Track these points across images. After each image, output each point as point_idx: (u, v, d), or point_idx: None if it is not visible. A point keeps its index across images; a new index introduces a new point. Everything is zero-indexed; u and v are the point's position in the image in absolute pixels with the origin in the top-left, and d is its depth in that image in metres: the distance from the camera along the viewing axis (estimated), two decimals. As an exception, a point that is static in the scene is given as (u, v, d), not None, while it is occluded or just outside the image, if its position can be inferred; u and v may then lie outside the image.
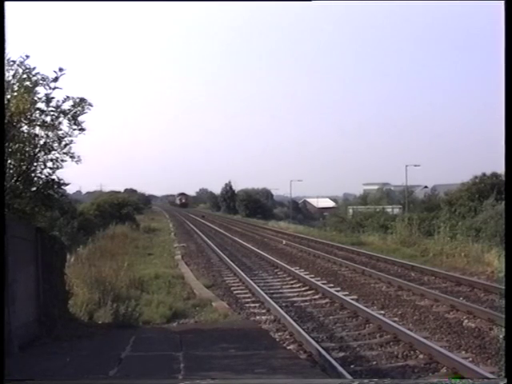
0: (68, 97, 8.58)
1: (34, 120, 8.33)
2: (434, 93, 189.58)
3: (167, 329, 10.00)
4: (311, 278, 15.59)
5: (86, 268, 12.97)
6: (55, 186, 8.90)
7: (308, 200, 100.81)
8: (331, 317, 10.92)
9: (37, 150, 8.43)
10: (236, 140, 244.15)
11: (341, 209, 61.33)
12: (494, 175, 31.83)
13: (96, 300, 10.85)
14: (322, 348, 8.22)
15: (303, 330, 9.44)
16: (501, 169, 24.61)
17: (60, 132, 8.59)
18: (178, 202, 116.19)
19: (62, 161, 8.74)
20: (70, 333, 8.58)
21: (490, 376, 6.70)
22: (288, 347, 8.62)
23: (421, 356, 7.98)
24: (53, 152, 8.61)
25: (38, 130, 8.43)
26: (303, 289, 14.38)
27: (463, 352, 8.25)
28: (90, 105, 8.79)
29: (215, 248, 24.96)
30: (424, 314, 10.83)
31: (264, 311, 11.65)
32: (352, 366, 7.63)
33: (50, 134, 8.51)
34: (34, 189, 8.66)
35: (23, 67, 8.16)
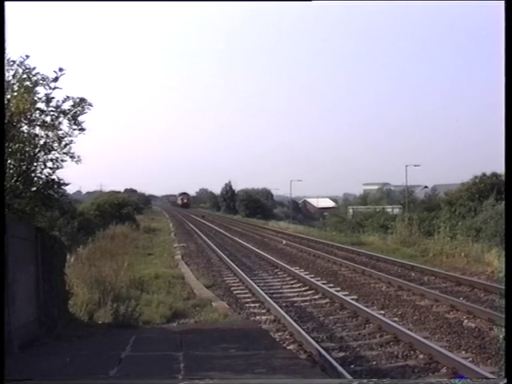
0: (68, 97, 8.58)
1: (33, 120, 8.33)
2: (434, 93, 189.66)
3: (167, 329, 10.01)
4: (311, 277, 15.59)
5: (86, 268, 12.98)
6: (55, 186, 8.90)
7: (308, 200, 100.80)
8: (331, 317, 10.92)
9: (37, 150, 8.43)
10: (236, 140, 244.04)
11: (341, 209, 61.40)
12: (494, 175, 31.83)
13: (96, 300, 10.86)
14: (322, 348, 8.22)
15: (303, 330, 9.43)
16: (501, 169, 24.66)
17: (60, 132, 8.59)
18: (179, 202, 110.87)
19: (62, 161, 8.74)
20: (70, 333, 8.58)
21: (490, 376, 6.69)
22: (288, 347, 8.62)
23: (421, 356, 7.98)
24: (53, 152, 8.61)
25: (38, 130, 8.43)
26: (303, 289, 14.38)
27: (463, 352, 8.25)
28: (90, 105, 8.79)
29: (215, 248, 24.96)
30: (424, 314, 10.83)
31: (264, 311, 11.65)
32: (352, 366, 7.63)
33: (50, 133, 8.51)
34: (34, 189, 8.66)
35: (23, 67, 8.16)
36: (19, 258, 7.53)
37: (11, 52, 7.61)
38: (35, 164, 8.52)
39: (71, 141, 8.73)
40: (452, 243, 20.18)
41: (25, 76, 8.17)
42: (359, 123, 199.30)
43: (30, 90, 8.15)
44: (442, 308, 11.27)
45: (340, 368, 7.21)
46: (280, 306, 11.54)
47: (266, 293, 13.13)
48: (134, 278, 14.34)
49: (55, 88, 8.41)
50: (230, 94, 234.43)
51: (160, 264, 19.26)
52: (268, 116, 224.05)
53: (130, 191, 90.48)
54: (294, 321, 10.12)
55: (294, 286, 15.05)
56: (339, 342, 9.05)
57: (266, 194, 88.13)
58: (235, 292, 14.15)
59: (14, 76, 8.13)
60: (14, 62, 8.08)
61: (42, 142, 8.47)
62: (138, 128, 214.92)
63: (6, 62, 7.58)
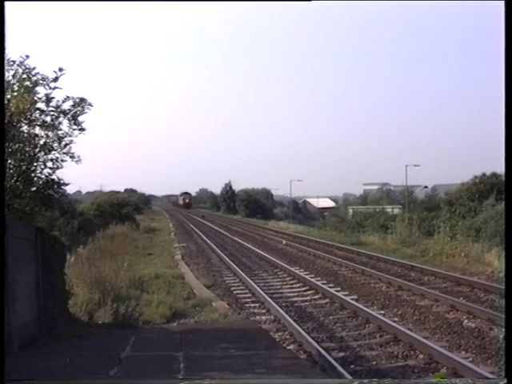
0: (68, 97, 8.58)
1: (33, 120, 8.33)
2: (433, 93, 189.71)
3: (167, 329, 10.00)
4: (311, 277, 15.58)
5: (86, 268, 12.97)
6: (55, 186, 8.90)
7: (308, 200, 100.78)
8: (331, 317, 10.91)
9: (37, 149, 8.43)
10: (236, 140, 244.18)
11: (341, 209, 61.39)
12: (494, 175, 31.79)
13: (96, 300, 10.85)
14: (322, 348, 8.22)
15: (303, 330, 9.44)
16: (501, 169, 24.64)
17: (60, 132, 8.60)
18: (181, 202, 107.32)
19: (62, 161, 8.74)
20: (70, 333, 8.58)
21: (490, 376, 6.70)
22: (288, 347, 8.62)
23: (421, 356, 7.98)
24: (53, 152, 8.61)
25: (37, 130, 8.44)
26: (303, 289, 14.38)
27: (463, 352, 8.25)
28: (90, 105, 8.80)
29: (215, 248, 24.95)
30: (424, 314, 10.83)
31: (264, 311, 11.65)
32: (352, 366, 7.63)
33: (50, 133, 8.51)
34: (34, 189, 8.66)
35: (23, 67, 8.16)
36: (19, 257, 7.53)
37: (11, 52, 7.63)
38: (35, 164, 8.52)
39: (71, 141, 8.74)
40: (452, 243, 20.17)
41: (25, 76, 8.17)
42: (359, 123, 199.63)
43: (30, 90, 8.15)
44: (442, 308, 11.27)
45: (340, 368, 7.21)
46: (280, 306, 11.54)
47: (265, 293, 13.13)
48: (134, 278, 14.33)
49: (55, 88, 8.42)
50: (231, 94, 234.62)
51: (160, 264, 19.25)
52: (268, 116, 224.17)
53: (130, 191, 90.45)
54: (294, 321, 10.12)
55: (293, 286, 15.04)
56: (339, 342, 9.05)
57: (266, 194, 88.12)
58: (235, 292, 14.15)
59: (13, 76, 8.13)
60: (13, 62, 8.09)
61: (42, 142, 8.47)
62: (137, 128, 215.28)
63: (6, 61, 7.58)
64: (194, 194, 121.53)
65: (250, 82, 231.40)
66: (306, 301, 12.77)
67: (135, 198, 71.48)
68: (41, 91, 8.33)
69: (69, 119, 8.61)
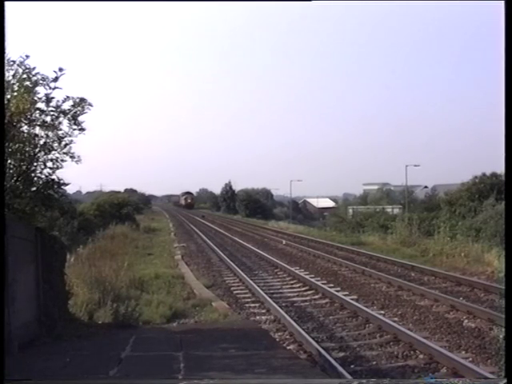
0: (68, 97, 8.57)
1: (34, 120, 8.33)
2: (434, 93, 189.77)
3: (167, 329, 10.00)
4: (311, 277, 15.58)
5: (86, 268, 12.96)
6: (55, 186, 8.89)
7: (308, 200, 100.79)
8: (331, 317, 10.91)
9: (37, 149, 8.43)
10: (236, 140, 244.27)
11: (341, 209, 61.36)
12: (494, 175, 31.83)
13: (96, 300, 10.85)
14: (322, 348, 8.22)
15: (303, 330, 9.43)
16: (501, 169, 24.66)
17: (60, 132, 8.59)
18: (182, 202, 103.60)
19: (62, 161, 8.73)
20: (70, 333, 8.58)
21: (490, 376, 6.70)
22: (288, 347, 8.61)
23: (421, 356, 7.98)
24: (53, 152, 8.60)
25: (38, 130, 8.43)
26: (303, 289, 14.38)
27: (463, 352, 8.25)
28: (90, 105, 8.79)
29: (215, 248, 24.95)
30: (424, 314, 10.83)
31: (264, 311, 11.65)
32: (352, 366, 7.63)
33: (50, 133, 8.51)
34: (34, 189, 8.65)
35: (23, 67, 8.15)
36: (19, 257, 7.52)
37: (11, 52, 7.62)
38: (35, 164, 8.51)
39: (71, 141, 8.73)
40: (452, 243, 20.17)
41: (25, 76, 8.16)
42: (359, 123, 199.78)
43: (30, 90, 8.15)
44: (442, 308, 11.27)
45: (340, 368, 7.21)
46: (280, 306, 11.54)
47: (265, 293, 13.13)
48: (133, 278, 14.33)
49: (55, 88, 8.41)
50: (230, 94, 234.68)
51: (160, 264, 19.25)
52: (268, 116, 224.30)
53: (130, 191, 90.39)
54: (294, 321, 10.12)
55: (293, 285, 15.04)
56: (339, 342, 9.05)
57: (266, 194, 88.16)
58: (235, 292, 14.15)
59: (14, 76, 8.13)
60: (14, 62, 8.08)
61: (42, 142, 8.46)
62: (138, 128, 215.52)
63: (6, 61, 7.58)
64: (194, 194, 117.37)
65: (250, 81, 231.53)
66: (305, 301, 12.77)
67: (135, 198, 71.45)
68: (41, 91, 8.33)
69: (69, 119, 8.60)
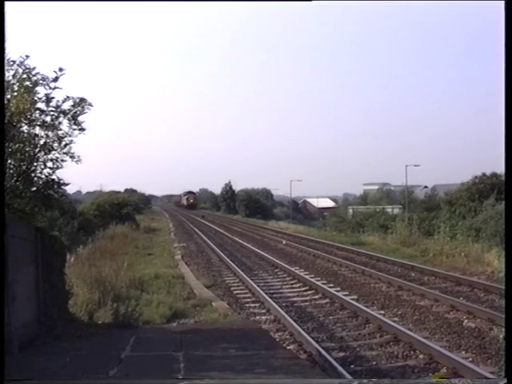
0: (68, 97, 8.58)
1: (34, 120, 8.33)
2: (433, 93, 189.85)
3: (167, 329, 10.00)
4: (311, 277, 15.58)
5: (86, 268, 12.97)
6: (55, 186, 8.89)
7: (308, 200, 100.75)
8: (331, 317, 10.91)
9: (37, 149, 8.43)
10: (236, 140, 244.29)
11: (341, 209, 61.31)
12: (494, 175, 31.79)
13: (96, 300, 10.85)
14: (322, 348, 8.22)
15: (303, 330, 9.43)
16: (501, 169, 24.65)
17: (60, 132, 8.60)
18: (184, 202, 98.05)
19: (62, 161, 8.74)
20: (70, 333, 8.58)
21: (490, 376, 6.69)
22: (288, 347, 8.61)
23: (421, 356, 7.98)
24: (53, 152, 8.61)
25: (38, 130, 8.44)
26: (303, 289, 14.38)
27: (463, 352, 8.24)
28: (90, 105, 8.80)
29: (215, 248, 24.94)
30: (424, 314, 10.83)
31: (264, 311, 11.65)
32: (352, 366, 7.63)
33: (50, 133, 8.51)
34: (34, 189, 8.66)
35: (23, 67, 8.16)
36: (19, 257, 7.52)
37: (11, 52, 7.62)
38: (35, 164, 8.52)
39: (71, 141, 8.74)
40: (452, 243, 20.17)
41: (25, 76, 8.17)
42: (359, 123, 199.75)
43: (30, 90, 8.15)
44: (442, 308, 11.27)
45: (340, 368, 7.20)
46: (280, 306, 11.54)
47: (265, 293, 13.13)
48: (133, 278, 14.33)
49: (55, 88, 8.42)
50: (230, 94, 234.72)
51: (160, 264, 19.25)
52: (268, 116, 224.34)
53: (130, 191, 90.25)
54: (294, 321, 10.12)
55: (294, 285, 15.04)
56: (339, 342, 9.05)
57: (266, 194, 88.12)
58: (235, 292, 14.15)
59: (14, 76, 8.13)
60: (14, 62, 8.09)
61: (42, 142, 8.47)
62: (137, 128, 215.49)
63: (6, 61, 7.58)
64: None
65: (250, 81, 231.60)
66: (306, 301, 12.76)
67: (135, 198, 71.36)
68: (41, 91, 8.34)
69: (69, 119, 8.61)
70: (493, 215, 25.13)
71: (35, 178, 8.65)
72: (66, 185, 9.19)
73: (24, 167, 8.35)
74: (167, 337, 9.19)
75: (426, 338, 8.82)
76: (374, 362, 7.89)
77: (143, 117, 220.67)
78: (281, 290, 14.30)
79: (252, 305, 12.42)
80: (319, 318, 10.85)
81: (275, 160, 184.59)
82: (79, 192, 69.54)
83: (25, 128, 8.29)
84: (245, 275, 16.06)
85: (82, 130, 8.75)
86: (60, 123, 8.56)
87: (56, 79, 8.36)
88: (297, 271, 16.86)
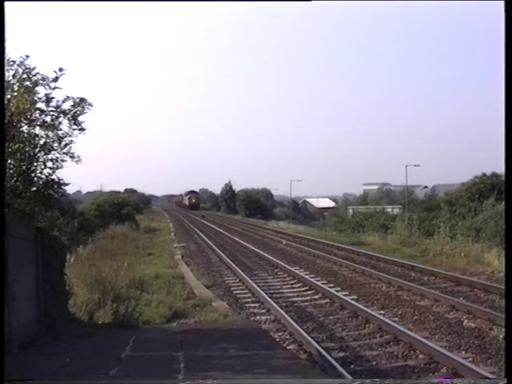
0: (68, 97, 8.58)
1: (34, 120, 8.33)
2: (433, 93, 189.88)
3: (167, 329, 10.00)
4: (311, 278, 15.58)
5: (86, 268, 12.97)
6: (55, 186, 8.89)
7: (308, 200, 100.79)
8: (331, 317, 10.91)
9: (37, 149, 8.43)
10: (236, 140, 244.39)
11: (341, 209, 61.36)
12: (494, 175, 31.80)
13: (96, 300, 10.85)
14: (322, 348, 8.22)
15: (303, 330, 9.43)
16: (501, 169, 24.64)
17: (60, 132, 8.60)
18: (186, 202, 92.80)
19: (62, 161, 8.74)
20: (70, 333, 8.58)
21: (490, 376, 6.69)
22: (288, 347, 8.61)
23: (421, 356, 7.98)
24: (53, 152, 8.61)
25: (38, 130, 8.44)
26: (303, 289, 14.38)
27: (463, 352, 8.24)
28: (90, 105, 8.80)
29: (215, 248, 24.94)
30: (424, 314, 10.82)
31: (264, 311, 11.65)
32: (352, 366, 7.63)
33: (50, 133, 8.51)
34: (34, 189, 8.66)
35: (23, 67, 8.16)
36: (19, 257, 7.52)
37: (11, 52, 7.62)
38: (35, 164, 8.52)
39: (71, 141, 8.74)
40: (452, 243, 20.17)
41: (25, 76, 8.17)
42: (359, 123, 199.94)
43: (30, 90, 8.15)
44: (442, 308, 11.27)
45: (340, 368, 7.21)
46: (280, 306, 11.54)
47: (265, 293, 13.13)
48: (134, 278, 14.33)
49: (55, 88, 8.42)
50: (230, 94, 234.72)
51: (160, 264, 19.24)
52: (268, 116, 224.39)
53: (130, 191, 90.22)
54: (294, 321, 10.12)
55: (293, 286, 15.04)
56: (339, 342, 9.05)
57: (266, 194, 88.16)
58: (235, 292, 14.15)
59: (14, 76, 8.13)
60: (14, 62, 8.09)
61: (42, 142, 8.47)
62: (138, 128, 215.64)
63: (6, 61, 7.58)
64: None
65: (250, 82, 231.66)
66: (306, 301, 12.76)
67: (135, 198, 71.42)
68: (41, 91, 8.34)
69: (69, 119, 8.61)
70: (493, 215, 25.13)
71: (35, 178, 8.65)
72: (66, 185, 9.20)
73: (24, 167, 8.35)
74: (167, 337, 9.19)
75: (426, 338, 8.82)
76: (374, 362, 7.89)
77: (143, 117, 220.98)
78: (281, 290, 14.29)
79: (252, 305, 12.42)
80: (319, 318, 10.85)
81: (275, 160, 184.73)
82: (79, 192, 69.51)
83: (25, 128, 8.29)
84: (245, 275, 16.06)
85: (82, 129, 8.75)
86: (60, 123, 8.56)
87: (56, 79, 8.36)
88: (297, 271, 16.85)
